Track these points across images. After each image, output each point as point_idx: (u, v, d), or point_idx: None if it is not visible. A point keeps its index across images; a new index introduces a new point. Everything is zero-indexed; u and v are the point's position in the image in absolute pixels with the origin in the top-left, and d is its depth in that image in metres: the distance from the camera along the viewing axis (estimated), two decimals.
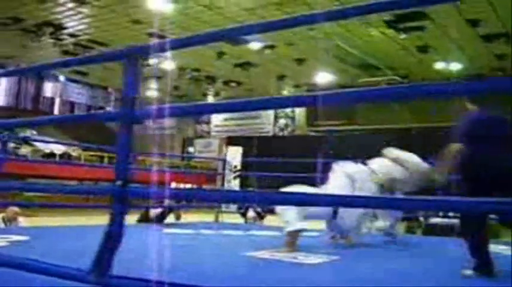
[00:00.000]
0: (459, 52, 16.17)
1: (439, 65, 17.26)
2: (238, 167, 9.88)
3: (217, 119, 25.51)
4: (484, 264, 3.92)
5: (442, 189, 4.83)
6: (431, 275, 4.27)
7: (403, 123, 19.52)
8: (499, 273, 3.94)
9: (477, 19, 13.65)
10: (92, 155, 21.05)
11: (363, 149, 16.66)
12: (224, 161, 9.94)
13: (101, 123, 21.70)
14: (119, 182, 2.43)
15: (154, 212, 8.52)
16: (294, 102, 3.39)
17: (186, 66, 19.78)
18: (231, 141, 21.21)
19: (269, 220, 9.77)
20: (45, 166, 17.46)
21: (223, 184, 9.65)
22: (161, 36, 14.42)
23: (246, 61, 18.46)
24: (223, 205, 9.51)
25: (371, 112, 20.29)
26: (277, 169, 11.21)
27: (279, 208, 5.57)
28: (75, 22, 16.12)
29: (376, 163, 6.32)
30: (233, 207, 10.73)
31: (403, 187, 6.07)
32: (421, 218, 10.55)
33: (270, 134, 23.51)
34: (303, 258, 4.78)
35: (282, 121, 23.65)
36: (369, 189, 5.97)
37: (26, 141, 17.39)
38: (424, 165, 6.14)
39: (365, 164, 6.38)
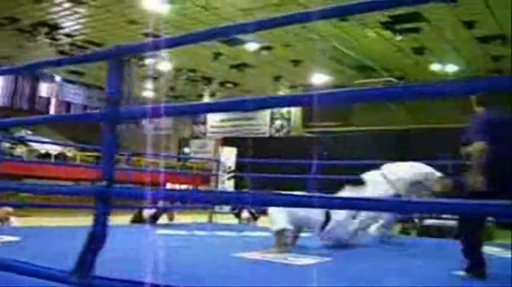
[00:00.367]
0: (455, 54, 16.18)
1: (435, 67, 17.27)
2: (233, 168, 9.87)
3: (213, 119, 25.50)
4: (476, 265, 3.92)
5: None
6: (424, 276, 4.26)
7: (400, 124, 19.52)
8: (491, 275, 3.94)
9: (473, 21, 13.67)
10: (88, 156, 21.00)
11: (360, 151, 16.73)
12: (218, 162, 9.92)
13: (97, 123, 21.60)
14: (103, 182, 2.42)
15: (147, 212, 8.51)
16: (289, 101, 3.37)
17: (182, 67, 19.76)
18: (227, 142, 21.20)
19: (263, 221, 9.75)
20: (41, 166, 17.41)
21: (217, 185, 9.63)
22: (157, 37, 14.39)
23: (242, 62, 18.46)
24: (216, 206, 9.49)
25: (368, 113, 20.28)
26: (272, 170, 11.21)
27: (270, 209, 5.58)
28: (71, 22, 16.10)
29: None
30: (227, 208, 10.70)
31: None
32: (416, 220, 10.52)
33: (266, 135, 23.50)
34: (293, 259, 4.76)
35: (278, 122, 23.65)
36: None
37: (22, 141, 17.36)
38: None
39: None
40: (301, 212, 5.69)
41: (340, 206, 3.07)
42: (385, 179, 6.37)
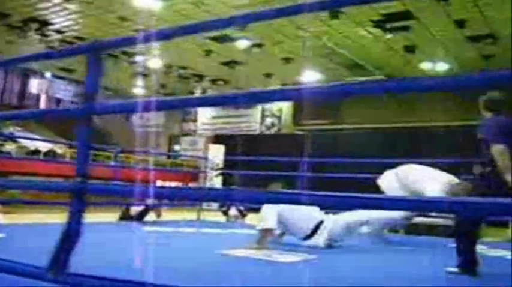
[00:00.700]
0: (446, 52, 16.22)
1: (426, 66, 17.30)
2: (221, 165, 9.87)
3: (204, 117, 25.46)
4: (468, 263, 3.95)
5: None
6: (410, 274, 4.26)
7: (392, 122, 19.53)
8: (482, 272, 3.96)
9: (464, 19, 13.69)
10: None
11: (350, 149, 16.75)
12: (205, 159, 9.91)
13: None
14: (78, 179, 2.39)
15: (134, 209, 8.50)
16: (280, 96, 3.35)
17: (173, 64, 19.71)
18: (217, 139, 21.18)
19: (251, 218, 9.74)
20: (30, 163, 17.31)
21: (204, 182, 9.62)
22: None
23: (233, 60, 18.43)
24: (204, 204, 9.48)
25: (358, 111, 20.32)
26: (261, 167, 11.21)
27: (263, 207, 5.57)
28: (61, 18, 16.00)
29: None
30: (215, 205, 10.69)
31: None
32: None
33: (257, 132, 23.48)
34: (278, 256, 4.76)
35: (268, 120, 23.64)
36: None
37: (10, 138, 17.26)
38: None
39: None
40: (290, 219, 5.70)
41: (334, 204, 3.01)
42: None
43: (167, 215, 9.70)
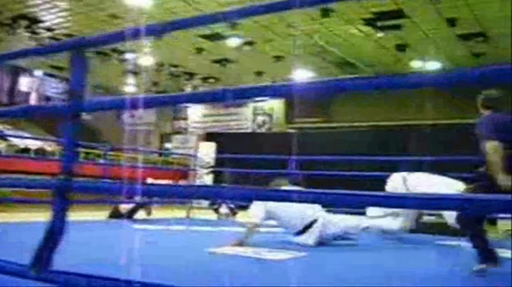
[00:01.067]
0: (437, 51, 16.26)
1: (416, 64, 17.34)
2: (212, 163, 9.85)
3: (195, 115, 25.43)
4: (487, 255, 3.96)
5: None
6: (399, 273, 4.26)
7: (383, 120, 19.56)
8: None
9: (455, 18, 13.74)
10: None
11: (341, 147, 16.76)
12: (195, 157, 9.89)
13: None
14: (61, 176, 2.37)
15: (124, 207, 8.48)
16: (269, 91, 3.34)
17: (165, 62, 19.66)
18: (209, 137, 21.13)
19: (242, 216, 9.74)
20: (19, 161, 17.20)
21: (194, 180, 9.61)
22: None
23: (224, 57, 18.40)
24: (194, 201, 9.46)
25: (349, 109, 20.36)
26: (252, 165, 11.19)
27: (253, 203, 5.57)
28: (51, 16, 15.91)
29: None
30: (206, 203, 10.67)
31: None
32: None
33: (249, 130, 23.47)
34: (267, 254, 4.75)
35: (260, 118, 23.64)
36: None
37: (0, 136, 17.15)
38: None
39: None
40: (282, 215, 5.71)
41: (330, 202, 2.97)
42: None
43: (158, 213, 9.69)
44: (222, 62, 18.78)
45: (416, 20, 13.98)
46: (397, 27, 14.29)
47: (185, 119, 25.80)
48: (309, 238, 5.67)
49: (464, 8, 13.10)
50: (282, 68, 18.65)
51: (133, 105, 2.41)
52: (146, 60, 18.80)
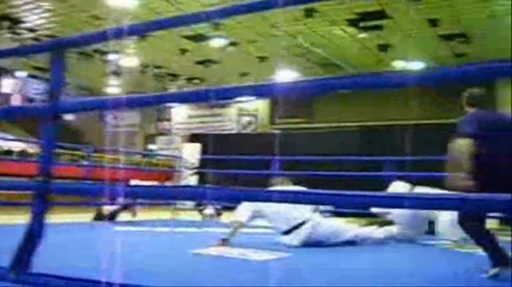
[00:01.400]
0: (419, 51, 16.37)
1: (399, 64, 17.43)
2: (197, 165, 9.81)
3: (179, 116, 25.36)
4: (498, 257, 3.80)
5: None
6: (380, 272, 4.26)
7: (366, 121, 19.63)
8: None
9: (437, 19, 13.85)
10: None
11: (324, 147, 16.77)
12: (180, 158, 9.85)
13: None
14: (40, 178, 2.34)
15: (107, 209, 8.41)
16: (251, 91, 3.32)
17: (149, 63, 19.60)
18: (194, 138, 21.07)
19: (227, 216, 9.72)
20: (3, 163, 17.01)
21: (178, 181, 9.56)
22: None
23: (208, 58, 18.38)
24: (179, 203, 9.43)
25: (332, 109, 20.44)
26: (237, 166, 11.18)
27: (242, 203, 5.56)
28: (34, 16, 15.80)
29: None
30: (191, 204, 10.63)
31: None
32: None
33: (233, 131, 23.47)
34: (252, 254, 4.73)
35: (245, 119, 23.64)
36: None
37: None
38: None
39: None
40: (269, 216, 5.71)
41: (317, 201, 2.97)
42: None
43: (143, 215, 9.63)
44: (206, 63, 18.76)
45: (398, 21, 14.08)
46: (379, 27, 14.38)
47: (169, 120, 25.74)
48: (294, 239, 5.66)
49: (446, 9, 13.22)
50: (266, 69, 18.67)
51: (115, 105, 2.39)
52: (129, 61, 18.72)
